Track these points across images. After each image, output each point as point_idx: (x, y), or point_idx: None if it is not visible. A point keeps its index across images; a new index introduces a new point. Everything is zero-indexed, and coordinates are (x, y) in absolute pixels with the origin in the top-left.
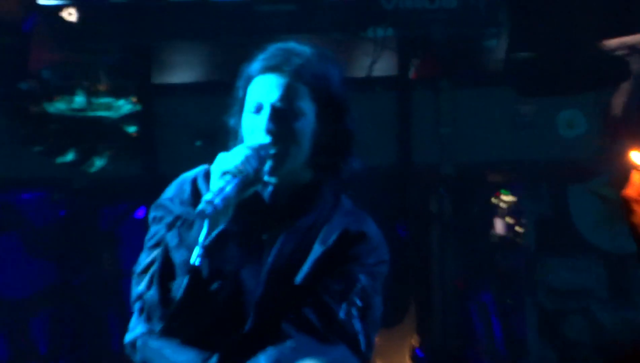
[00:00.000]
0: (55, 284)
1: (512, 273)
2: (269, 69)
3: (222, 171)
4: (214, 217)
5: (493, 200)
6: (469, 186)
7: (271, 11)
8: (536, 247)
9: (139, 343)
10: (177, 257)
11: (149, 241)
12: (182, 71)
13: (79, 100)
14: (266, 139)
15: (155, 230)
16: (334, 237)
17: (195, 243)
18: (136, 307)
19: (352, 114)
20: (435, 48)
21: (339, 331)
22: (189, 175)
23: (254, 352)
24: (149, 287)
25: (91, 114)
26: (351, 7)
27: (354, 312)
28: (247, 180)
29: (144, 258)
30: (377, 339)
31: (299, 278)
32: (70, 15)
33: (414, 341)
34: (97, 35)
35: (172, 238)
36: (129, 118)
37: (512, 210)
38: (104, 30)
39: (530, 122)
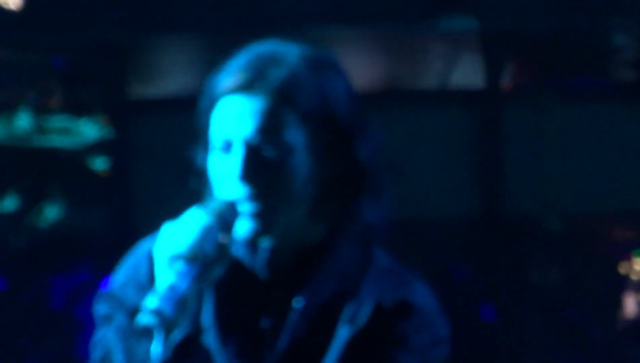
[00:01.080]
0: None
1: None
2: (238, 87)
3: (170, 256)
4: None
5: (621, 267)
6: (584, 247)
7: None
8: None
9: None
10: None
11: (93, 351)
12: (172, 79)
13: (23, 121)
14: (241, 192)
15: (102, 335)
16: (366, 312)
17: (148, 360)
18: None
19: (367, 140)
20: (537, 46)
21: None
22: (145, 246)
23: None
24: None
25: (40, 141)
26: None
27: None
28: (209, 263)
29: None
30: None
31: None
32: None
33: None
34: (49, 27)
35: (116, 354)
36: (95, 148)
37: None
38: (60, 20)
39: None
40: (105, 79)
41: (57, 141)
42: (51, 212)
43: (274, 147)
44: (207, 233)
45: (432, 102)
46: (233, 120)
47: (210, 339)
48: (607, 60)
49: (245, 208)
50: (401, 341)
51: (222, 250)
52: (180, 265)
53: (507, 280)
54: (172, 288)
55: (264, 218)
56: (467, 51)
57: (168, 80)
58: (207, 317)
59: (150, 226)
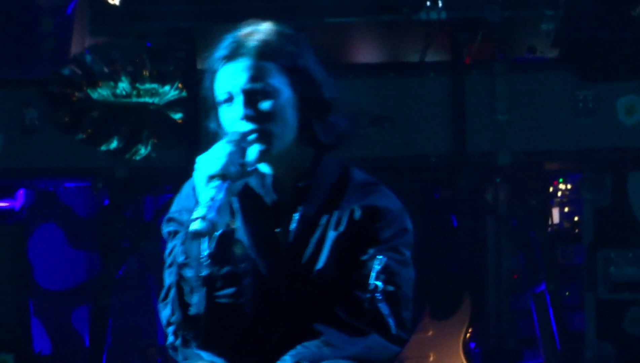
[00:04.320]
0: (97, 276)
1: (570, 265)
2: (229, 57)
3: (207, 176)
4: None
5: (550, 189)
6: (526, 175)
7: None
8: (595, 237)
9: (178, 345)
10: (187, 273)
11: (167, 259)
12: None
13: (123, 86)
14: (246, 126)
15: (171, 246)
16: (345, 219)
17: (200, 254)
18: (169, 331)
19: (328, 81)
20: (491, 31)
21: (366, 320)
22: (191, 183)
23: (286, 351)
24: (172, 311)
25: (135, 100)
26: None
27: (379, 296)
28: (235, 178)
29: (166, 279)
30: (430, 332)
31: (318, 270)
32: None
33: (468, 334)
34: (140, 18)
35: (179, 256)
36: (173, 104)
37: (570, 199)
38: (148, 12)
39: (589, 108)
40: (180, 56)
41: (147, 100)
42: (143, 150)
43: (263, 90)
44: (231, 158)
45: (414, 72)
46: (231, 78)
47: (241, 235)
48: (541, 41)
49: (251, 137)
50: (372, 237)
51: (242, 169)
52: (215, 182)
53: (470, 199)
54: (212, 199)
55: (263, 142)
56: (440, 34)
57: None
58: (239, 222)
59: None
